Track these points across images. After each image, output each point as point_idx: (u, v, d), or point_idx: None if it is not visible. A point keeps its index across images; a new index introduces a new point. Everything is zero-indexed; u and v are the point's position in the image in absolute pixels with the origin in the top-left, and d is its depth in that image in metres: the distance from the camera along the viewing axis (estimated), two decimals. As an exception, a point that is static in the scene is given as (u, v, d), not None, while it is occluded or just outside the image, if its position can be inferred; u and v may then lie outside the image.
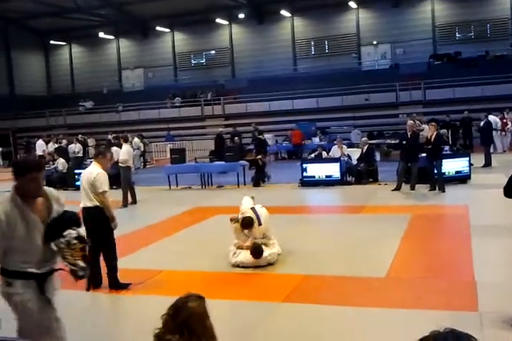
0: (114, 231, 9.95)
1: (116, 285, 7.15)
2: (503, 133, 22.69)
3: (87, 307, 6.81)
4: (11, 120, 36.77)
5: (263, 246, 7.92)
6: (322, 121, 28.71)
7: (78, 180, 18.57)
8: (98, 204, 7.11)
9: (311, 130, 27.28)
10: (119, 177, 16.84)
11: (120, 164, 14.71)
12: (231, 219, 8.32)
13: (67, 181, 19.17)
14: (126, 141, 15.74)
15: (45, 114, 36.23)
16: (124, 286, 7.16)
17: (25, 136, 34.49)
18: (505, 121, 22.78)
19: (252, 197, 8.96)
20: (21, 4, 33.06)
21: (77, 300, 7.07)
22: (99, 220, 7.05)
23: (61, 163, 19.80)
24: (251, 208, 8.20)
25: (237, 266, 7.94)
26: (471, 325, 5.26)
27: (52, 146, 25.26)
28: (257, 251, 7.82)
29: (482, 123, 19.55)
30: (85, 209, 7.15)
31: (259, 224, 8.04)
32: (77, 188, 18.15)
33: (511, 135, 23.53)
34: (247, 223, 7.98)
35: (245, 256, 7.91)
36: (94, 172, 7.28)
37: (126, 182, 14.73)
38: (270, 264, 7.94)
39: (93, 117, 35.53)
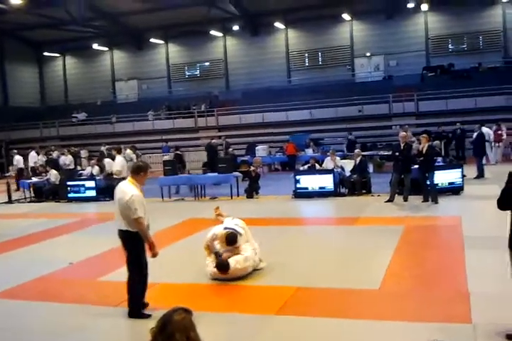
0: (112, 244, 9.86)
1: (135, 314, 6.49)
2: (497, 144, 22.74)
3: (76, 319, 6.75)
4: (5, 131, 36.65)
5: (232, 257, 7.87)
6: (316, 133, 28.75)
7: (70, 192, 18.72)
8: (130, 229, 6.45)
9: (305, 142, 27.27)
10: (112, 189, 16.78)
11: (115, 176, 14.67)
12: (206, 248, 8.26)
13: (60, 193, 19.13)
14: (119, 152, 15.68)
15: (38, 125, 36.18)
16: (145, 316, 6.39)
17: (18, 148, 34.40)
18: (499, 132, 22.83)
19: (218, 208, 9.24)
20: (16, 16, 33.10)
21: (67, 312, 7.03)
22: (133, 244, 6.51)
23: (53, 175, 19.72)
24: (224, 228, 8.20)
25: (214, 279, 7.92)
26: (464, 337, 5.24)
27: (41, 158, 25.12)
28: (220, 268, 7.79)
29: (475, 135, 19.61)
30: (120, 231, 6.58)
31: (240, 234, 8.07)
32: (69, 200, 18.37)
33: (504, 147, 23.64)
34: (231, 240, 7.96)
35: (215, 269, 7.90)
36: (128, 193, 6.42)
37: None
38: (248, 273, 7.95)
39: (87, 128, 35.54)
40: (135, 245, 6.51)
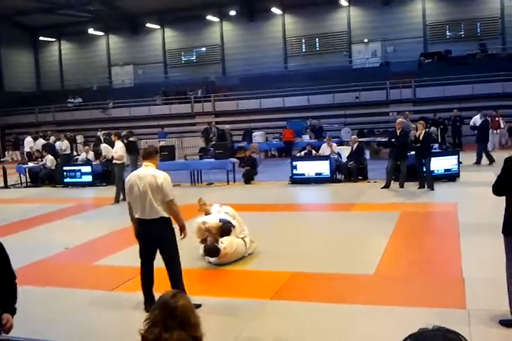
0: (108, 229, 9.80)
1: None
2: (495, 131, 22.73)
3: (72, 303, 6.76)
4: (0, 116, 36.51)
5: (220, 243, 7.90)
6: (313, 119, 28.69)
7: (67, 177, 18.68)
8: (164, 214, 6.18)
9: (306, 125, 27.20)
10: (109, 174, 16.76)
11: (115, 161, 14.62)
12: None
13: (56, 178, 19.11)
14: (119, 137, 15.55)
15: (34, 110, 36.00)
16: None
17: (14, 133, 34.29)
18: (497, 119, 22.83)
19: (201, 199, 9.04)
20: (11, 0, 32.79)
21: (63, 296, 7.05)
22: (171, 230, 6.30)
23: (49, 160, 19.70)
24: (219, 220, 8.22)
25: (209, 263, 8.01)
26: (458, 322, 5.28)
27: (39, 143, 25.09)
28: (210, 252, 7.87)
29: (480, 123, 19.66)
30: (154, 220, 6.20)
31: (233, 227, 8.16)
32: (66, 185, 18.33)
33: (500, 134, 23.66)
34: (226, 231, 8.02)
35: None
36: (159, 175, 6.19)
37: (120, 178, 14.67)
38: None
39: (82, 114, 35.35)
40: (172, 230, 6.31)
